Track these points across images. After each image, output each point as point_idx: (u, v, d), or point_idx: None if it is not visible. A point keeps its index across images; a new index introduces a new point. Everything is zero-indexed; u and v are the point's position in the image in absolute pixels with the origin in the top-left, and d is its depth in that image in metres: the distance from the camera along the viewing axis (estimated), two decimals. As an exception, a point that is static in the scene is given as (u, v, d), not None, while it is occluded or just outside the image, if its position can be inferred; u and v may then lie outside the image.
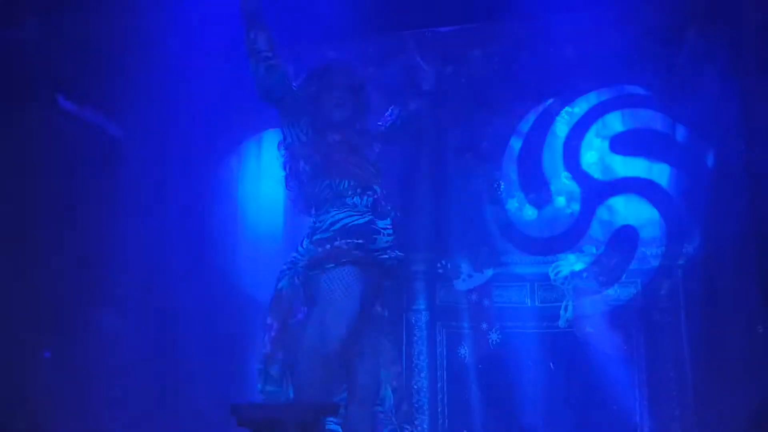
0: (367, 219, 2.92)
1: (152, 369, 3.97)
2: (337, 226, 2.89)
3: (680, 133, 3.97)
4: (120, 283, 3.97)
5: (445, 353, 4.19)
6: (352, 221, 2.92)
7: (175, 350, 3.99)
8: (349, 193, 2.94)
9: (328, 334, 2.76)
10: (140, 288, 4.05)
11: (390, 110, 3.33)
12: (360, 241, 2.87)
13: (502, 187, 4.33)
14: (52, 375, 3.66)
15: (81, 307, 3.87)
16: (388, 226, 2.97)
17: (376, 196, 2.98)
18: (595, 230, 4.09)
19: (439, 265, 4.27)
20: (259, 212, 4.32)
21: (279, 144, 3.09)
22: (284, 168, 3.08)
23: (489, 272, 4.22)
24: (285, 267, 2.97)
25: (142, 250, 4.05)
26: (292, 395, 2.68)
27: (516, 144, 4.35)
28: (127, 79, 4.12)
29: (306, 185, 3.02)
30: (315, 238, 2.91)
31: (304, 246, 2.93)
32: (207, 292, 4.18)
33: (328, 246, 2.86)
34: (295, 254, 2.96)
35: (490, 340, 4.12)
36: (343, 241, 2.87)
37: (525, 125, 4.34)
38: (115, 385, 3.83)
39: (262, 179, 4.35)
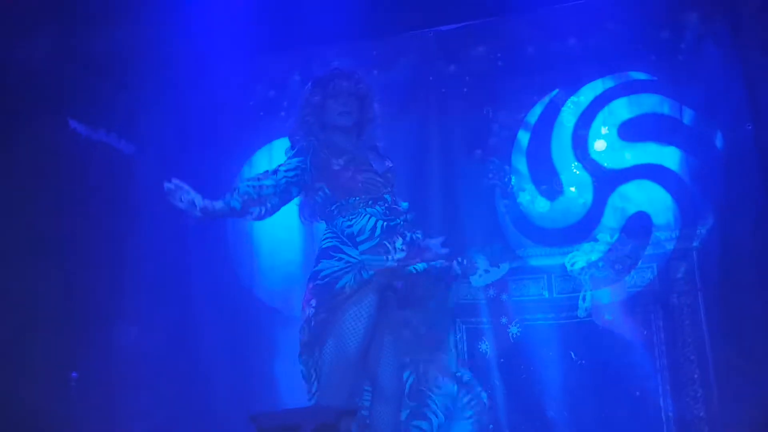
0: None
1: (175, 381, 4.03)
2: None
3: (687, 116, 3.96)
4: (140, 297, 4.03)
5: (466, 349, 4.22)
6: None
7: (196, 361, 4.06)
8: (361, 205, 3.00)
9: (347, 337, 2.82)
10: (160, 301, 4.11)
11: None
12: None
13: (513, 180, 4.35)
14: (78, 394, 3.72)
15: (102, 324, 3.93)
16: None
17: (387, 205, 3.03)
18: (609, 218, 4.10)
19: (455, 262, 4.29)
20: (274, 220, 4.38)
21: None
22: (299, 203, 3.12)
23: (505, 267, 4.24)
24: (337, 269, 2.96)
25: (160, 264, 4.12)
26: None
27: (524, 137, 4.36)
28: (138, 95, 4.20)
29: (318, 211, 3.10)
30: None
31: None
32: (225, 302, 4.25)
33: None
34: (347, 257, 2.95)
35: (510, 334, 4.15)
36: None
37: (532, 118, 4.35)
38: (139, 398, 3.89)
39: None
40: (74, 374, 3.75)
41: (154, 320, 4.10)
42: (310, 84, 3.23)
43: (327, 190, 3.04)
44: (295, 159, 3.02)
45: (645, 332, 3.92)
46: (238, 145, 4.63)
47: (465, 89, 4.44)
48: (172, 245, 4.16)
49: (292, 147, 3.12)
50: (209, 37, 4.37)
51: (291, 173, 2.99)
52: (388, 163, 3.17)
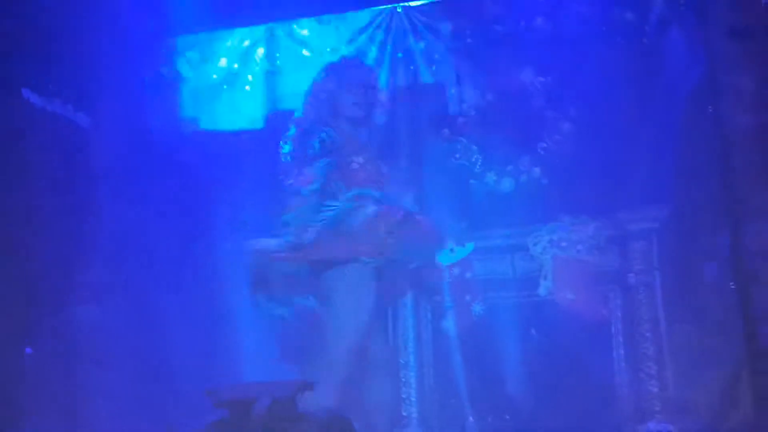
0: None
1: (136, 357, 4.00)
2: None
3: (650, 98, 4.00)
4: (98, 273, 3.98)
5: (430, 327, 4.26)
6: None
7: (157, 337, 4.03)
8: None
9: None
10: (119, 277, 4.07)
11: None
12: None
13: (479, 160, 4.37)
14: (34, 371, 3.67)
15: (60, 301, 3.88)
16: None
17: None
18: (571, 199, 4.14)
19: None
20: (242, 195, 4.35)
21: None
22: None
23: (471, 246, 4.27)
24: None
25: (118, 239, 4.07)
26: None
27: (491, 117, 4.38)
28: (95, 67, 4.11)
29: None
30: None
31: None
32: (187, 277, 4.22)
33: None
34: None
35: (473, 312, 4.19)
36: None
37: (499, 97, 4.37)
38: (100, 375, 3.86)
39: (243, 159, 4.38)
40: (28, 350, 3.70)
41: (113, 296, 4.06)
42: (322, 70, 3.29)
43: (342, 186, 3.14)
44: (318, 166, 3.09)
45: (603, 311, 3.99)
46: (201, 119, 4.58)
47: (434, 67, 4.44)
48: (130, 220, 4.10)
49: (311, 139, 3.14)
50: (170, 9, 4.30)
51: (314, 186, 3.09)
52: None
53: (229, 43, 4.69)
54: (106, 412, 3.78)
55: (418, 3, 4.49)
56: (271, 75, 4.62)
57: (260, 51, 4.65)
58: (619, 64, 4.08)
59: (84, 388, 3.84)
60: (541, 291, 4.07)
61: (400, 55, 4.49)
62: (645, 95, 4.00)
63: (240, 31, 4.65)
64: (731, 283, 3.55)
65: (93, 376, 3.87)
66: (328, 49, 4.58)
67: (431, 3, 4.48)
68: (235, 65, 4.69)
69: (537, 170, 4.27)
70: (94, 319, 3.96)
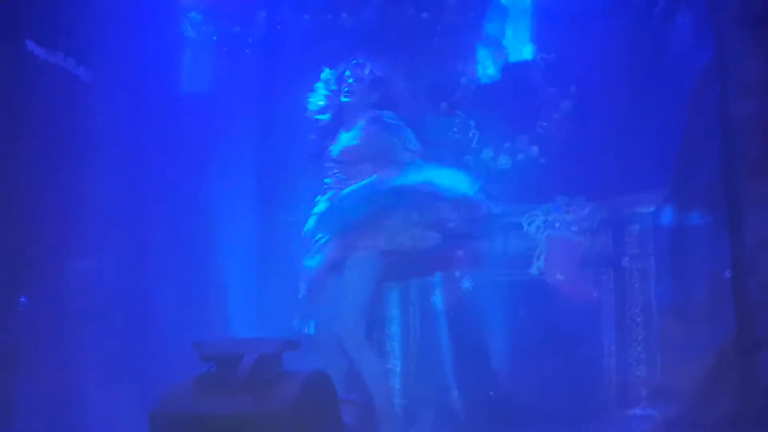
0: None
1: (125, 312, 4.00)
2: None
3: (653, 80, 3.95)
4: (93, 227, 3.96)
5: (418, 300, 4.23)
6: None
7: (147, 293, 4.01)
8: None
9: None
10: (113, 231, 4.04)
11: None
12: None
13: (477, 136, 4.32)
14: (27, 319, 3.67)
15: (54, 254, 3.87)
16: None
17: None
18: (568, 180, 4.10)
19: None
20: (232, 150, 4.30)
21: None
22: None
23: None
24: None
25: (114, 194, 4.04)
26: None
27: (490, 92, 4.33)
28: (98, 22, 4.06)
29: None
30: None
31: None
32: (180, 233, 4.19)
33: None
34: None
35: (462, 288, 4.16)
36: None
37: (500, 73, 4.31)
38: (90, 329, 3.86)
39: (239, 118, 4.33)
40: (22, 299, 3.69)
41: (107, 250, 4.04)
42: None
43: None
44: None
45: (595, 293, 3.97)
46: (199, 78, 4.51)
47: (435, 39, 4.38)
48: (127, 175, 4.07)
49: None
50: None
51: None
52: None
53: (231, 5, 4.62)
54: (95, 362, 3.80)
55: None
56: (272, 39, 4.56)
57: (262, 14, 4.58)
58: (625, 45, 4.03)
59: (75, 339, 3.83)
60: (533, 270, 4.05)
61: (401, 25, 4.42)
62: (648, 78, 3.95)
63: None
64: (726, 272, 3.52)
65: (84, 328, 3.86)
66: (330, 17, 4.51)
67: (438, -25, 4.41)
68: (237, 28, 4.61)
69: (535, 149, 4.22)
70: (87, 272, 3.94)
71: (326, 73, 3.55)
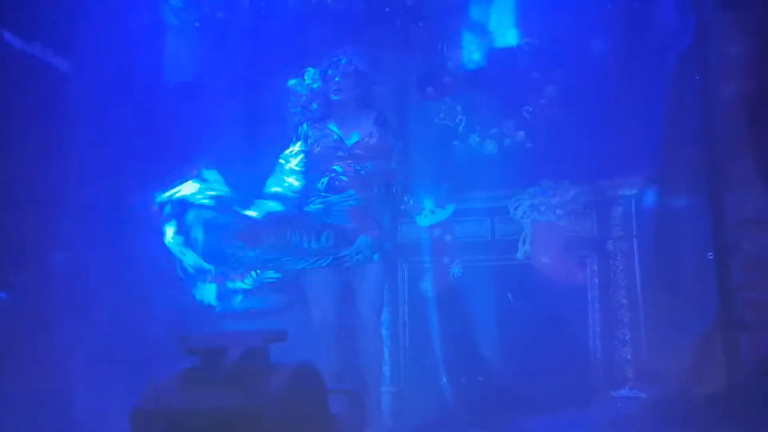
0: None
1: (108, 306, 3.98)
2: None
3: (636, 63, 3.96)
4: (73, 220, 3.93)
5: (407, 288, 4.25)
6: None
7: (132, 285, 4.00)
8: None
9: None
10: (93, 224, 4.02)
11: None
12: None
13: (463, 121, 4.32)
14: (8, 316, 3.64)
15: (34, 248, 3.84)
16: None
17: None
18: (553, 164, 4.11)
19: (402, 201, 4.28)
20: (219, 139, 4.27)
21: None
22: None
23: (451, 208, 4.25)
24: None
25: (93, 186, 4.01)
26: None
27: (477, 78, 4.32)
28: (76, 11, 4.01)
29: None
30: None
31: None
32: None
33: None
34: None
35: (451, 274, 4.18)
36: None
37: (485, 58, 4.30)
38: (74, 324, 3.84)
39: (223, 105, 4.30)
40: (3, 294, 3.66)
41: (87, 243, 4.01)
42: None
43: None
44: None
45: (580, 276, 4.00)
46: (182, 66, 4.47)
47: (421, 23, 4.36)
48: (105, 167, 4.04)
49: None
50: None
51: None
52: None
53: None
54: (79, 358, 3.76)
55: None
56: (256, 24, 4.51)
57: (245, -2, 4.53)
58: (608, 28, 4.02)
59: (57, 335, 3.82)
60: (519, 255, 4.07)
61: (387, 9, 4.39)
62: (631, 61, 3.95)
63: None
64: (709, 253, 3.56)
65: (66, 323, 3.84)
66: (314, 1, 4.47)
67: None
68: (219, 13, 4.57)
69: (521, 134, 4.22)
70: (68, 266, 3.92)
71: (310, 72, 3.63)
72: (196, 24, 4.54)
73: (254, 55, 4.45)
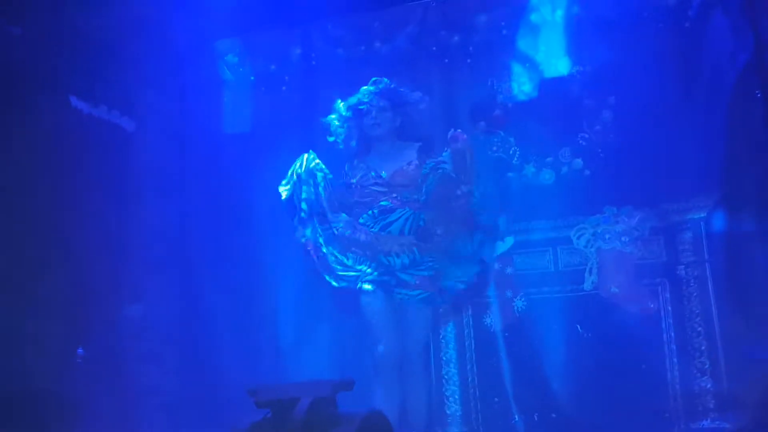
0: None
1: (181, 356, 4.06)
2: None
3: (694, 84, 3.87)
4: (144, 273, 4.04)
5: (471, 323, 4.20)
6: None
7: (202, 336, 4.07)
8: None
9: None
10: (164, 276, 4.12)
11: None
12: None
13: (517, 152, 4.29)
14: (85, 371, 3.74)
15: (107, 301, 3.95)
16: None
17: None
18: (614, 190, 4.04)
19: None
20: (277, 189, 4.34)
21: None
22: None
23: (510, 240, 4.20)
24: None
25: (162, 240, 4.13)
26: None
27: (529, 108, 4.29)
28: (138, 72, 4.18)
29: None
30: None
31: None
32: (229, 276, 4.25)
33: None
34: None
35: (515, 308, 4.12)
36: None
37: (536, 89, 4.28)
38: (147, 374, 3.93)
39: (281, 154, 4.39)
40: (80, 350, 3.77)
41: (159, 296, 4.11)
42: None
43: None
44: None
45: (652, 305, 3.88)
46: (241, 121, 4.59)
47: (468, 60, 4.39)
48: (174, 221, 4.15)
49: None
50: (209, 13, 4.34)
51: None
52: None
53: (266, 45, 4.70)
54: (153, 408, 3.82)
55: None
56: (308, 74, 4.61)
57: (296, 51, 4.65)
58: (660, 49, 3.97)
59: (132, 386, 3.90)
60: (586, 285, 3.99)
61: (434, 48, 4.43)
62: (688, 81, 3.88)
63: (276, 33, 4.66)
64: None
65: (140, 374, 3.92)
66: (363, 47, 4.55)
67: (464, -5, 4.41)
68: (272, 66, 4.70)
69: (579, 161, 4.17)
70: (140, 319, 4.01)
71: (342, 104, 3.70)
72: (252, 78, 4.68)
73: (308, 103, 4.55)
